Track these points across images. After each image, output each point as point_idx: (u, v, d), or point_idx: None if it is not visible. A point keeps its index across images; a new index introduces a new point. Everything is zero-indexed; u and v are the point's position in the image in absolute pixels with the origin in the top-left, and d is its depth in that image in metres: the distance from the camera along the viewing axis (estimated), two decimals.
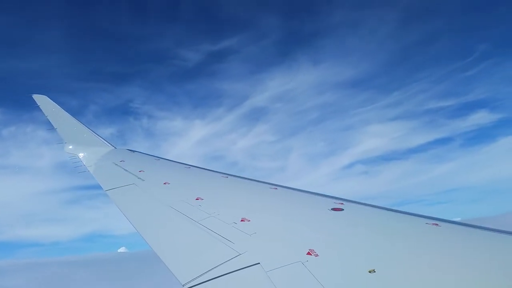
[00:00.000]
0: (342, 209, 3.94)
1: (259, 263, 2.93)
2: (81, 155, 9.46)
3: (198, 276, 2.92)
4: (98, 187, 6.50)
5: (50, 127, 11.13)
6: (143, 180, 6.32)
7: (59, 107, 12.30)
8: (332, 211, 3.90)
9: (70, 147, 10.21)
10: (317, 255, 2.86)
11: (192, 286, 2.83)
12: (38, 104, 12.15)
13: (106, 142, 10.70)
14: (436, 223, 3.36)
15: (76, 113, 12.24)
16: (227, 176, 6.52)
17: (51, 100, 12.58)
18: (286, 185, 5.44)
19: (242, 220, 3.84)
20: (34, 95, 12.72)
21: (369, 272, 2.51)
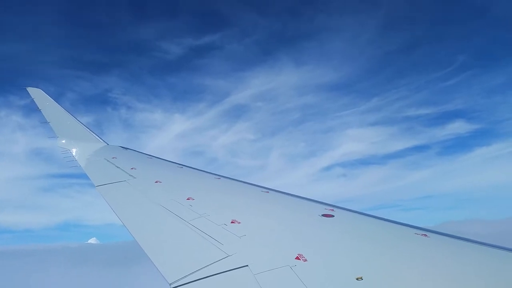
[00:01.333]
0: (332, 216, 3.95)
1: (247, 265, 2.92)
2: (73, 150, 9.38)
3: (186, 276, 2.91)
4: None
5: (43, 120, 11.04)
6: (135, 178, 6.27)
7: (53, 100, 12.20)
8: (323, 217, 3.91)
9: (63, 141, 10.12)
10: (305, 260, 2.86)
11: (179, 286, 2.82)
12: (32, 97, 12.04)
13: (99, 138, 10.63)
14: (425, 234, 3.38)
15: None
16: (219, 177, 6.50)
17: (45, 94, 12.48)
18: (278, 189, 5.45)
19: (232, 222, 3.83)
20: (28, 88, 12.61)
21: (357, 279, 2.51)
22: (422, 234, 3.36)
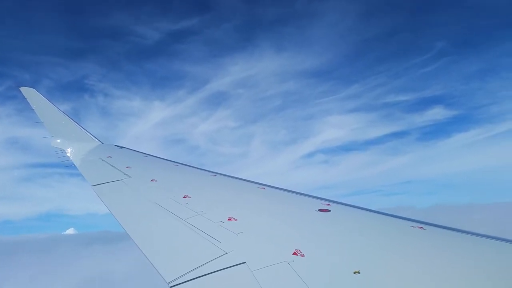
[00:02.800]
0: (329, 210, 3.96)
1: (245, 262, 2.92)
2: (68, 149, 9.33)
3: (184, 274, 2.90)
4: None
5: (37, 120, 10.96)
6: (130, 177, 6.25)
7: (46, 100, 12.11)
8: (319, 212, 3.92)
9: (58, 141, 10.05)
10: (303, 255, 2.87)
11: (178, 284, 2.81)
12: (26, 97, 11.95)
13: (93, 137, 10.58)
14: (422, 226, 3.40)
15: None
16: (215, 174, 6.49)
17: (39, 93, 12.38)
18: (274, 185, 5.45)
19: (229, 219, 3.83)
20: (22, 87, 12.50)
21: (354, 273, 2.52)
22: (418, 227, 3.38)
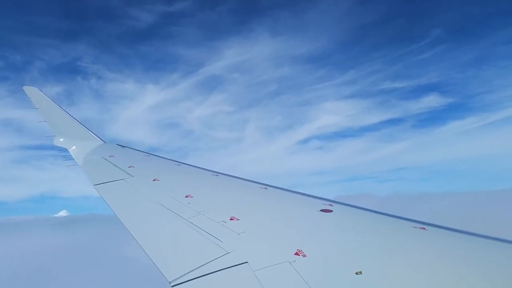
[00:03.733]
0: (331, 211, 3.96)
1: (247, 262, 2.92)
2: (70, 148, 9.36)
3: (185, 274, 2.91)
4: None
5: (40, 119, 11.01)
6: (133, 176, 6.26)
7: (49, 99, 12.17)
8: (321, 212, 3.92)
9: (61, 139, 10.10)
10: (304, 256, 2.87)
11: (179, 284, 2.82)
12: (29, 96, 12.01)
13: (96, 137, 10.62)
14: (424, 227, 3.39)
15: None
16: (217, 174, 6.50)
17: (41, 92, 12.45)
18: (276, 185, 5.45)
19: (231, 219, 3.83)
20: (25, 86, 12.58)
21: (356, 273, 2.52)
22: (421, 227, 3.38)
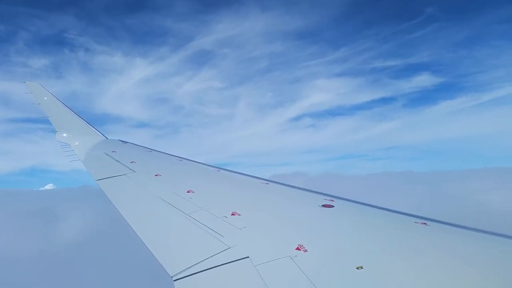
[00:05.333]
0: (332, 206, 3.96)
1: (248, 257, 2.94)
2: (72, 144, 9.39)
3: (187, 268, 2.93)
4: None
5: (42, 115, 11.04)
6: (135, 172, 6.28)
7: (51, 94, 12.19)
8: (322, 208, 3.92)
9: (64, 135, 10.14)
10: (306, 251, 2.88)
11: (181, 278, 2.83)
12: (30, 92, 12.03)
13: (98, 132, 10.65)
14: (425, 222, 3.40)
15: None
16: (219, 169, 6.52)
17: (43, 88, 12.46)
18: (278, 181, 5.46)
19: (232, 214, 3.85)
20: (26, 82, 12.58)
21: (357, 268, 2.53)
22: (422, 223, 3.38)
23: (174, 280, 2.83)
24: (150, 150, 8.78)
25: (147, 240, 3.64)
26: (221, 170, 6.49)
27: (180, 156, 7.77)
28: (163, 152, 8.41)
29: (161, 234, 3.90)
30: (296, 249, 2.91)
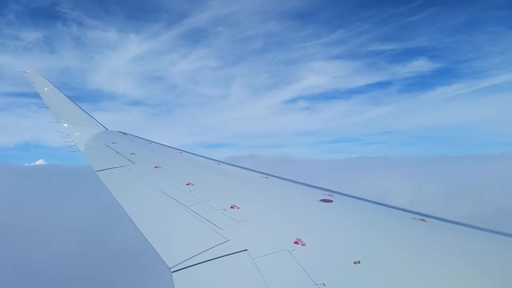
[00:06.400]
0: (331, 201, 3.97)
1: (246, 249, 2.95)
2: (73, 134, 9.39)
3: (185, 260, 2.94)
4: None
5: (43, 105, 11.04)
6: (134, 163, 6.29)
7: (52, 85, 12.17)
8: (321, 202, 3.94)
9: (65, 125, 10.15)
10: (304, 245, 2.89)
11: (179, 270, 2.85)
12: (31, 82, 12.01)
13: (98, 123, 10.65)
14: (423, 218, 3.41)
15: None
16: (218, 163, 6.53)
17: (44, 78, 12.44)
18: (277, 175, 5.47)
19: (231, 207, 3.86)
20: (27, 72, 12.56)
21: (354, 263, 2.54)
22: (420, 219, 3.39)
23: (173, 272, 2.84)
24: (150, 142, 8.79)
25: (145, 231, 3.65)
26: (221, 163, 6.49)
27: (179, 149, 7.78)
28: (163, 144, 8.41)
29: (160, 226, 3.91)
30: (294, 242, 2.93)
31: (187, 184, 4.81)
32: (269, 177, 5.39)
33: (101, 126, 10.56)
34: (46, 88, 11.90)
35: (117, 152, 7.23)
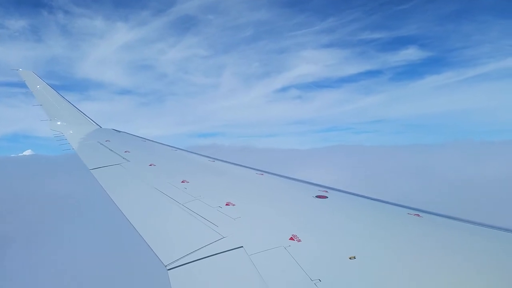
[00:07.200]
0: (326, 197, 3.98)
1: (242, 246, 2.95)
2: (66, 132, 9.32)
3: (181, 258, 2.93)
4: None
5: (35, 103, 10.95)
6: (129, 161, 6.26)
7: (44, 83, 12.09)
8: (316, 199, 3.94)
9: (58, 123, 10.08)
10: (299, 241, 2.90)
11: (175, 267, 2.84)
12: (24, 80, 11.92)
13: (91, 121, 10.59)
14: (418, 214, 3.43)
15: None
16: (213, 160, 6.51)
17: (37, 76, 12.36)
18: (272, 172, 5.47)
19: (227, 204, 3.85)
20: (20, 70, 12.46)
21: (350, 258, 2.55)
22: (415, 214, 3.41)
23: (168, 269, 2.84)
24: (144, 139, 8.75)
25: (141, 229, 3.63)
26: (215, 161, 6.48)
27: (176, 147, 7.75)
28: (157, 142, 8.38)
29: (155, 224, 3.89)
30: (290, 239, 2.93)
31: (182, 182, 4.80)
32: (264, 174, 5.39)
33: (94, 124, 10.50)
34: (38, 86, 11.80)
35: (111, 150, 7.18)
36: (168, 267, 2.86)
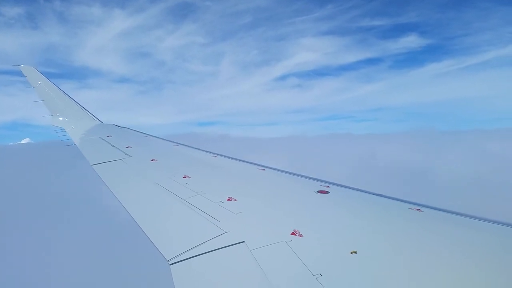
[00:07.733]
0: (327, 192, 3.99)
1: (244, 241, 2.96)
2: (68, 128, 9.35)
3: (183, 253, 2.95)
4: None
5: (37, 99, 10.97)
6: (130, 156, 6.27)
7: (46, 79, 12.10)
8: (318, 194, 3.95)
9: (60, 119, 10.10)
10: (301, 236, 2.91)
11: (177, 262, 2.86)
12: (25, 76, 11.93)
13: (93, 116, 10.61)
14: (419, 208, 3.43)
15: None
16: (215, 155, 6.52)
17: (38, 72, 12.36)
18: (274, 167, 5.48)
19: (228, 199, 3.86)
20: (22, 66, 12.46)
21: (351, 253, 2.56)
22: (416, 209, 3.42)
23: (171, 264, 2.85)
24: (146, 135, 8.76)
25: (143, 224, 3.65)
26: (217, 156, 6.49)
27: (177, 142, 7.75)
28: (159, 138, 8.39)
29: (157, 218, 3.91)
30: (291, 234, 2.94)
31: (184, 177, 4.80)
32: (265, 169, 5.39)
33: (96, 119, 10.51)
34: (39, 82, 11.81)
35: (113, 146, 7.20)
36: (170, 262, 2.87)
